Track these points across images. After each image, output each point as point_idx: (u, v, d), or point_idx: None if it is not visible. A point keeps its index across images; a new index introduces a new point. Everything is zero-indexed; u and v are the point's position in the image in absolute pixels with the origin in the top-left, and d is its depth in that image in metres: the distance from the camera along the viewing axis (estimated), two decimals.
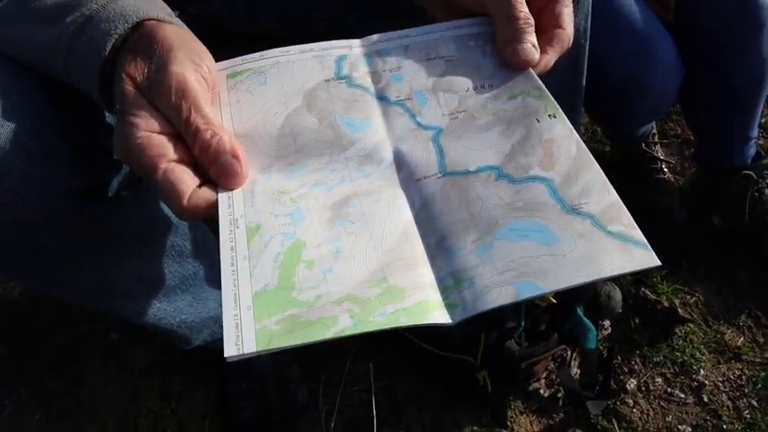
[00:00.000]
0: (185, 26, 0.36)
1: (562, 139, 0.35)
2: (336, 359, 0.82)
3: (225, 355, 0.26)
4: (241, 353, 0.26)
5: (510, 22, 0.37)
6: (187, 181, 0.31)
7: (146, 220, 0.49)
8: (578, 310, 0.73)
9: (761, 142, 1.14)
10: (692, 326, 0.87)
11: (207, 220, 0.34)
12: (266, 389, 0.75)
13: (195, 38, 0.36)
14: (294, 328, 0.27)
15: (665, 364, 0.83)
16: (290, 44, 0.39)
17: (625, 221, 0.31)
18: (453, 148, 0.35)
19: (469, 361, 0.73)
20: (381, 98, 0.38)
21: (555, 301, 0.72)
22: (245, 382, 0.76)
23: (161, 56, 0.32)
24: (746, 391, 0.80)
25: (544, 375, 0.79)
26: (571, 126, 0.35)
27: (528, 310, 0.72)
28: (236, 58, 0.38)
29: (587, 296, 0.74)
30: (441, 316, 0.29)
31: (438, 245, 0.31)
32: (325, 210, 0.32)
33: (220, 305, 0.62)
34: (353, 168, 0.34)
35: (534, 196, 0.32)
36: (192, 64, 0.33)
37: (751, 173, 0.89)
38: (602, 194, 0.32)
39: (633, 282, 0.92)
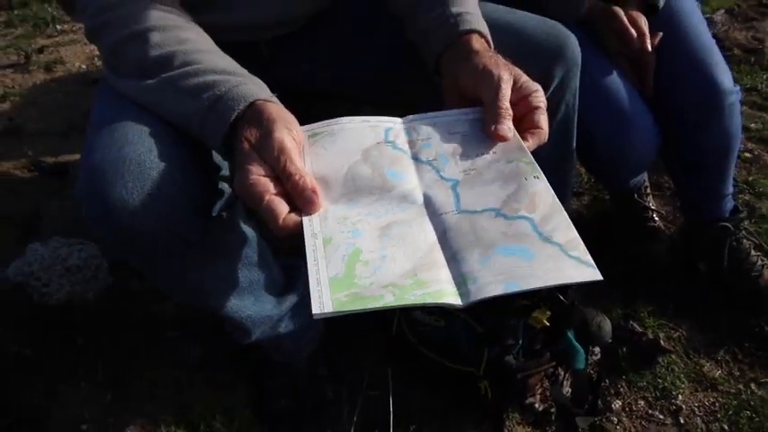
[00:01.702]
0: (279, 102, 0.52)
1: (542, 193, 0.49)
2: (359, 365, 0.95)
3: (313, 313, 0.40)
4: (323, 311, 0.40)
5: (495, 110, 0.53)
6: (282, 208, 0.46)
7: (233, 234, 0.65)
8: (569, 333, 0.86)
9: (747, 197, 1.27)
10: (674, 357, 0.98)
11: (292, 237, 0.48)
12: (298, 385, 0.88)
13: (287, 111, 0.52)
14: (355, 300, 0.41)
15: (647, 389, 0.94)
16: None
17: (581, 250, 0.45)
18: (466, 195, 0.50)
19: (474, 372, 0.86)
20: (415, 158, 0.53)
21: (548, 324, 0.84)
22: (280, 378, 0.89)
23: (267, 126, 0.48)
24: (719, 416, 0.91)
25: (539, 392, 0.91)
26: (548, 184, 0.50)
27: (525, 331, 0.85)
28: (316, 123, 0.54)
29: (576, 322, 0.86)
30: (453, 300, 0.43)
31: (453, 257, 0.46)
32: (375, 230, 0.47)
33: (275, 306, 0.76)
34: (395, 205, 0.49)
35: (521, 229, 0.47)
36: (287, 130, 0.49)
37: (728, 225, 1.02)
38: (567, 231, 0.46)
39: (623, 315, 1.04)
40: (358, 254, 0.45)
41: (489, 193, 0.50)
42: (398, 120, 0.56)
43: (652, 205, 1.14)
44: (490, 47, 0.60)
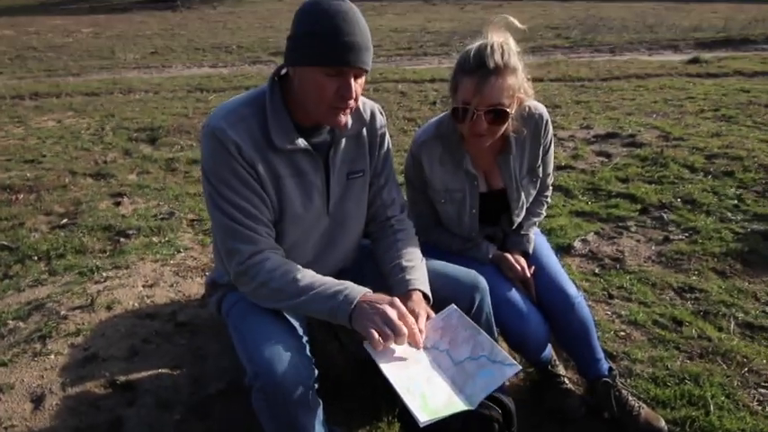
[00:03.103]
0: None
1: (485, 341, 1.06)
2: None
3: (421, 423, 0.91)
4: (425, 420, 0.91)
5: (412, 333, 1.10)
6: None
7: (317, 400, 1.11)
8: None
9: (625, 363, 1.83)
10: None
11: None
12: None
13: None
14: (434, 413, 0.93)
15: None
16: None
17: (509, 360, 1.02)
18: (454, 353, 1.06)
19: None
20: (425, 347, 1.09)
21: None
22: None
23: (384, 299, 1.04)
24: None
25: None
26: (487, 335, 1.07)
27: None
28: None
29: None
30: (467, 407, 0.96)
31: (459, 388, 1.00)
32: (425, 380, 1.00)
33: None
34: (427, 368, 1.03)
35: (483, 362, 1.03)
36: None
37: (608, 380, 1.56)
38: (501, 354, 1.03)
39: None
40: (425, 394, 0.98)
41: (463, 350, 1.07)
42: None
43: (562, 372, 1.68)
44: (427, 296, 1.21)
